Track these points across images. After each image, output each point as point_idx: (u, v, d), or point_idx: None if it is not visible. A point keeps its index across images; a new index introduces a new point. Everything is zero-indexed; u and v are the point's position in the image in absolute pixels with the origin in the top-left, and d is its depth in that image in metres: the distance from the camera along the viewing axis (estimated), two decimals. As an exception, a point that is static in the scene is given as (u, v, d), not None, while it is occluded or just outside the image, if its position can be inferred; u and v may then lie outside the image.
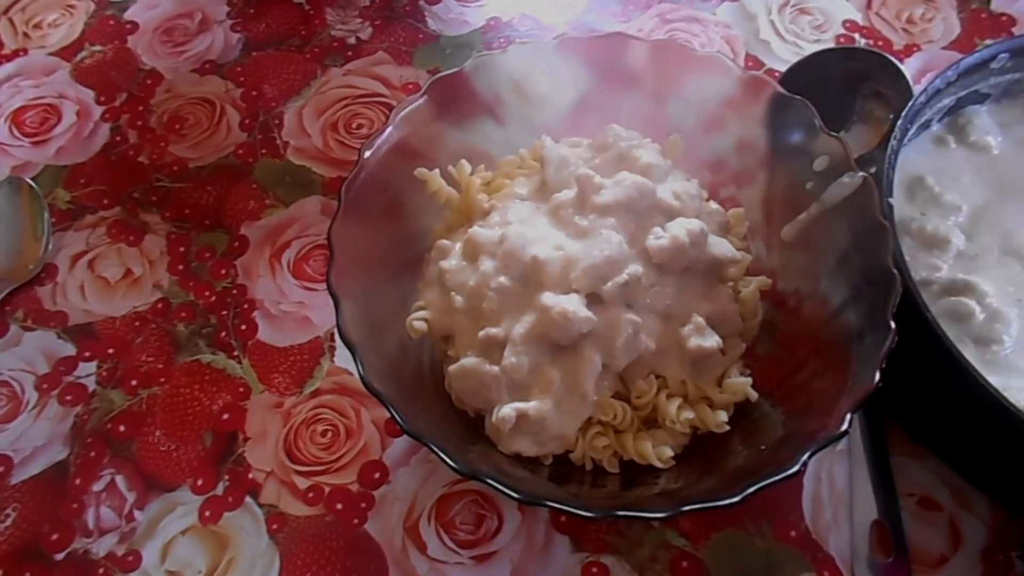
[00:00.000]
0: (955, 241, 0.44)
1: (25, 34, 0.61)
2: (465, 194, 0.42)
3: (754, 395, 0.39)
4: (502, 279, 0.38)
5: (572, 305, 0.36)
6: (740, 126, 0.44)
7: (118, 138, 0.55)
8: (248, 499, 0.42)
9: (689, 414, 0.38)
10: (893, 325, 0.34)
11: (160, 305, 0.48)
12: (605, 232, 0.38)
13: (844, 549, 0.40)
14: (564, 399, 0.37)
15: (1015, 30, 0.59)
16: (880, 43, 0.58)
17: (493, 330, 0.38)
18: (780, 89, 0.42)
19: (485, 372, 0.37)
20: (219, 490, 0.43)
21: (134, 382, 0.46)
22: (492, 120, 0.45)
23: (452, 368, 0.39)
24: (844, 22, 0.60)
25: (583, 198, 0.40)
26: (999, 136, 0.49)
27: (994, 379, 0.36)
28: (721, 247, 0.40)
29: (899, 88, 0.50)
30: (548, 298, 0.37)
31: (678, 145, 0.45)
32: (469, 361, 0.38)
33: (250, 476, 0.43)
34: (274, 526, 0.42)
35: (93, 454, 0.44)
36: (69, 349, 0.47)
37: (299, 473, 0.43)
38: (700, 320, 0.39)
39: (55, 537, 0.41)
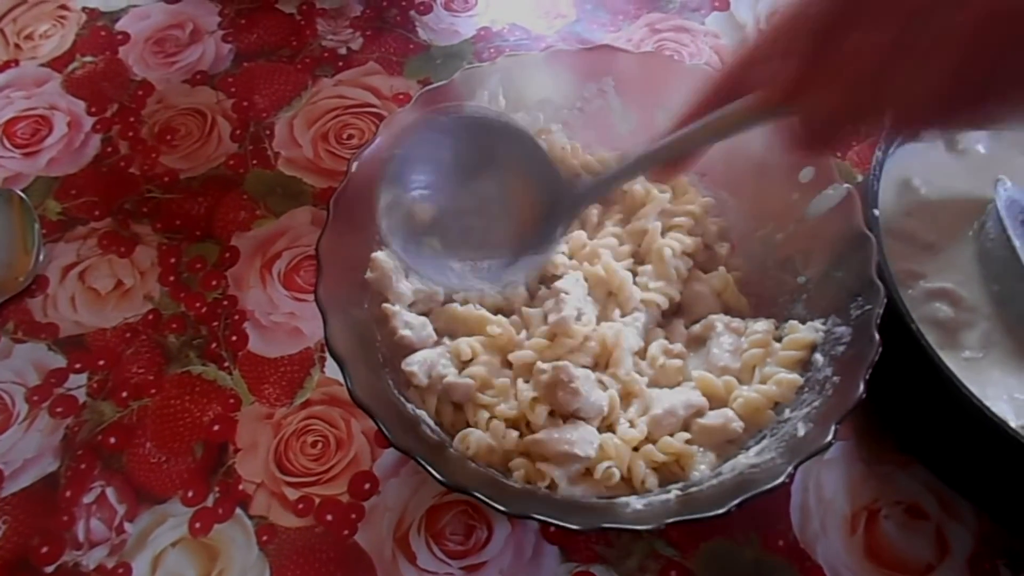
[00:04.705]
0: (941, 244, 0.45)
1: (16, 45, 0.61)
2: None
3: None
4: None
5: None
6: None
7: (109, 149, 0.55)
8: (238, 511, 0.42)
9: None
10: (877, 337, 0.35)
11: (151, 316, 0.49)
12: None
13: (832, 557, 0.41)
14: None
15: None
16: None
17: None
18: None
19: None
20: (209, 502, 0.43)
21: (125, 394, 0.46)
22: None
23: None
24: (832, 31, 0.60)
25: None
26: (988, 141, 0.49)
27: (974, 385, 0.36)
28: None
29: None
30: None
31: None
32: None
33: (240, 488, 0.43)
34: (264, 537, 0.42)
35: (84, 466, 0.44)
36: (60, 361, 0.47)
37: (289, 484, 0.43)
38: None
39: (45, 550, 0.41)
